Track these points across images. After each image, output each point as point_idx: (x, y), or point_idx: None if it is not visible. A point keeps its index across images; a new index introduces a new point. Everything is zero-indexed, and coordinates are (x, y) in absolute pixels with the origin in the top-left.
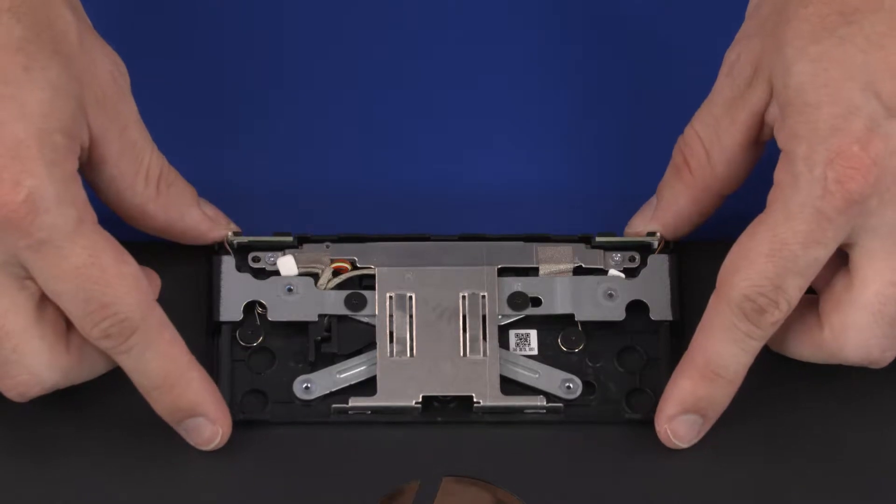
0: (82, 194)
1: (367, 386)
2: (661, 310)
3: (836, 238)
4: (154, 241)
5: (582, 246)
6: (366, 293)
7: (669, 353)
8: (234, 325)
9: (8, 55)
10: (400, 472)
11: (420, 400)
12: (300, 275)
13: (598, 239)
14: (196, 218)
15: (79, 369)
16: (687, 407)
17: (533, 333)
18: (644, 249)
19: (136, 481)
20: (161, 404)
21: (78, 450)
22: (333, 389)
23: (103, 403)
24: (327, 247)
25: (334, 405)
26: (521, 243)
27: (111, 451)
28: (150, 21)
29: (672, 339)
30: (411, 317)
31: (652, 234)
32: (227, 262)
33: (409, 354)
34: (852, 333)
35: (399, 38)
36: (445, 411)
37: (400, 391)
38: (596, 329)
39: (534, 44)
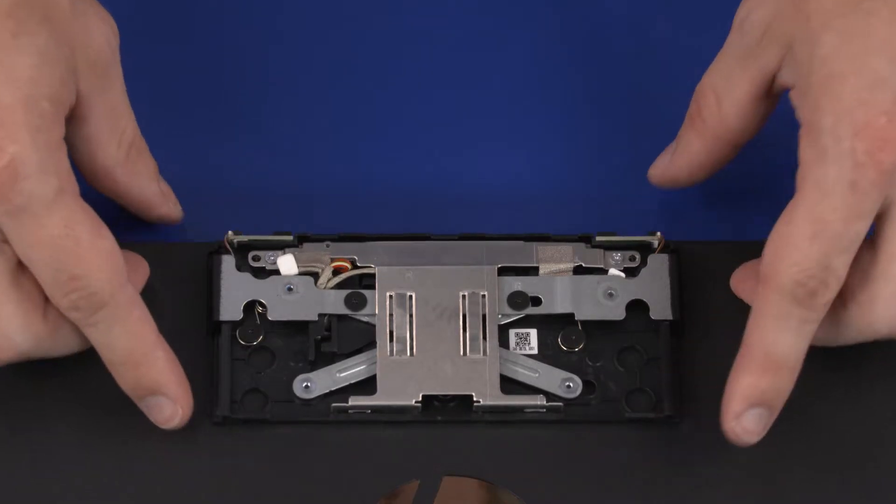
0: (66, 164)
1: (367, 385)
2: (661, 309)
3: (874, 209)
4: (154, 241)
5: (582, 245)
6: (366, 292)
7: (669, 352)
8: (233, 325)
9: None
10: (400, 471)
11: (420, 399)
12: (300, 274)
13: (598, 238)
14: (154, 190)
15: (52, 340)
16: (753, 401)
17: (533, 333)
18: (644, 249)
19: (137, 481)
20: (125, 380)
21: (77, 452)
22: (333, 389)
23: (104, 404)
24: (327, 246)
25: (334, 404)
26: (521, 243)
27: (111, 451)
28: (151, 21)
29: (672, 338)
30: (411, 316)
31: (652, 233)
32: (227, 262)
33: (409, 354)
34: (881, 306)
35: (399, 38)
36: (445, 410)
37: (400, 390)
38: (596, 328)
39: (534, 43)
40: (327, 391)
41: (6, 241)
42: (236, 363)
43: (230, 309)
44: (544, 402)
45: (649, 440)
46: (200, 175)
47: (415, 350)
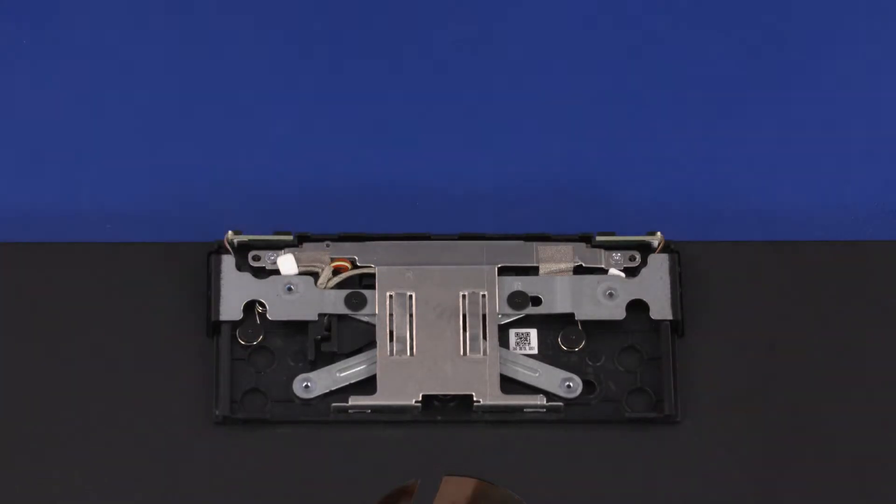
0: None
1: (367, 385)
2: (661, 309)
3: None
4: (154, 241)
5: (582, 245)
6: (366, 292)
7: (669, 352)
8: (233, 325)
9: None
10: (400, 471)
11: (420, 399)
12: (300, 274)
13: (598, 238)
14: None
15: None
16: None
17: (533, 332)
18: (644, 249)
19: (137, 481)
20: None
21: (77, 452)
22: (333, 388)
23: (105, 405)
24: (327, 245)
25: (334, 404)
26: (521, 242)
27: (112, 451)
28: (151, 21)
29: (672, 338)
30: (411, 316)
31: (652, 233)
32: (227, 261)
33: (409, 353)
34: None
35: (399, 38)
36: (445, 410)
37: (400, 390)
38: (596, 328)
39: (534, 44)
40: (327, 391)
41: None
42: (236, 363)
43: (230, 309)
44: (544, 402)
45: (649, 440)
46: (200, 175)
47: (415, 350)
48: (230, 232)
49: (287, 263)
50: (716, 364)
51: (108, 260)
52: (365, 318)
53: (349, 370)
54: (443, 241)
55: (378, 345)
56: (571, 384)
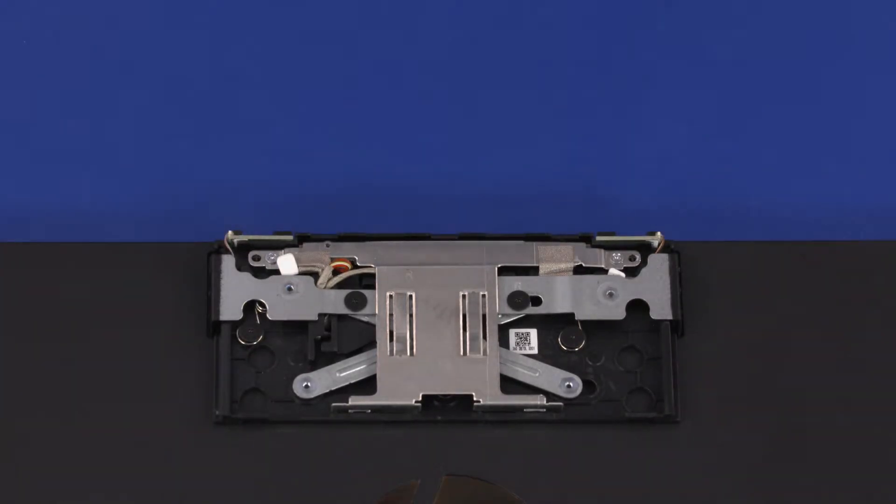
0: None
1: (367, 385)
2: (661, 309)
3: None
4: (154, 241)
5: (582, 245)
6: (366, 292)
7: (669, 352)
8: (233, 324)
9: None
10: (400, 471)
11: (420, 399)
12: (300, 274)
13: (598, 238)
14: None
15: None
16: None
17: (533, 332)
18: (644, 249)
19: (137, 481)
20: None
21: (77, 452)
22: (333, 388)
23: (105, 405)
24: (327, 245)
25: (334, 404)
26: (521, 242)
27: (111, 451)
28: (151, 21)
29: (672, 338)
30: (411, 316)
31: (652, 233)
32: (227, 261)
33: (409, 353)
34: None
35: (399, 38)
36: (445, 410)
37: (400, 390)
38: (596, 328)
39: (534, 44)
40: (327, 391)
41: None
42: (236, 363)
43: (230, 309)
44: (544, 402)
45: (649, 440)
46: (200, 175)
47: (415, 350)
48: (230, 232)
49: (287, 263)
50: (716, 364)
51: (108, 260)
52: (365, 318)
53: (349, 370)
54: (443, 241)
55: (378, 345)
56: (571, 384)
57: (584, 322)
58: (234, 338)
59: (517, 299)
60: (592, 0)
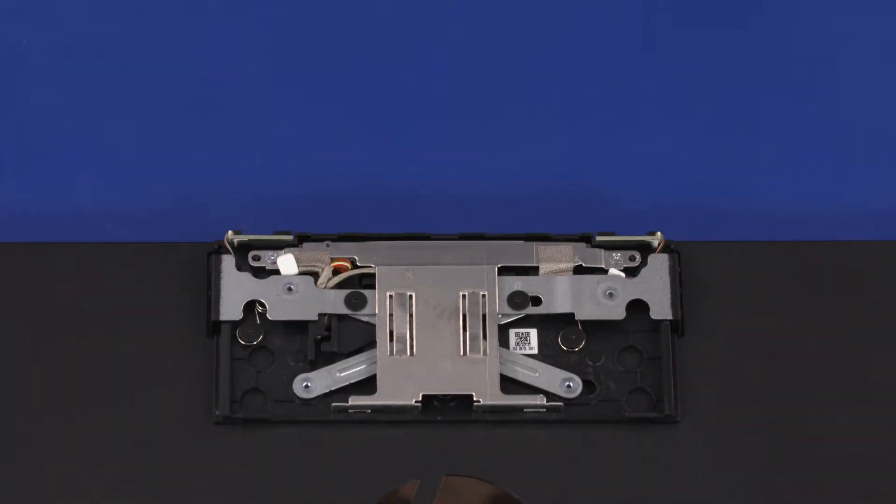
0: None
1: (367, 385)
2: (661, 309)
3: None
4: (154, 241)
5: (582, 245)
6: (366, 292)
7: (669, 352)
8: (233, 324)
9: None
10: (400, 471)
11: (420, 399)
12: (300, 274)
13: (598, 238)
14: None
15: None
16: None
17: (533, 332)
18: (644, 249)
19: (137, 481)
20: None
21: (77, 452)
22: (333, 388)
23: (105, 405)
24: (327, 245)
25: (334, 404)
26: (521, 242)
27: (111, 451)
28: (151, 21)
29: (672, 338)
30: (411, 316)
31: (652, 233)
32: (227, 261)
33: (409, 353)
34: None
35: (399, 38)
36: (445, 410)
37: (400, 390)
38: (596, 328)
39: (534, 44)
40: (327, 391)
41: None
42: (236, 363)
43: (230, 308)
44: (544, 402)
45: (649, 440)
46: (200, 175)
47: (415, 350)
48: (230, 232)
49: (287, 263)
50: (716, 364)
51: (108, 260)
52: (365, 318)
53: (349, 370)
54: (443, 241)
55: (378, 345)
56: (571, 384)
57: (584, 322)
58: (234, 338)
59: (517, 299)
60: (592, 0)
